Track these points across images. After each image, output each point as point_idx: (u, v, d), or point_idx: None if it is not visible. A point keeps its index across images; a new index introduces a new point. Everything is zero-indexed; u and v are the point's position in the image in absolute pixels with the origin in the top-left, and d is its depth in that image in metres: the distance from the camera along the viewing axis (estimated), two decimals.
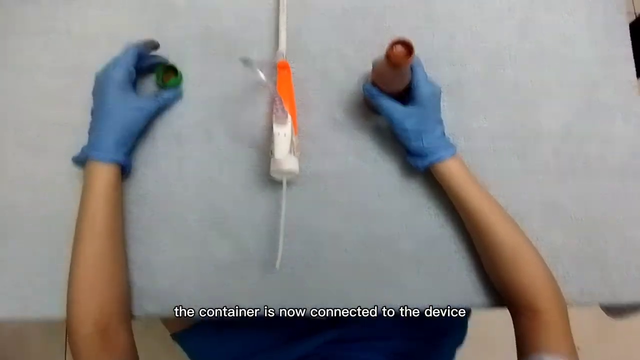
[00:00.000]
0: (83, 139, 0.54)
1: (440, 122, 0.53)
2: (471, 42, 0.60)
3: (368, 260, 0.55)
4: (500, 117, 0.59)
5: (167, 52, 0.58)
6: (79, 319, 0.45)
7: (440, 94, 0.52)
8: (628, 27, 0.61)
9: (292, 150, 0.50)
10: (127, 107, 0.51)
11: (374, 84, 0.51)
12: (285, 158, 0.49)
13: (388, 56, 0.44)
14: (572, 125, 0.59)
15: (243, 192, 0.56)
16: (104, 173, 0.48)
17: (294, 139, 0.51)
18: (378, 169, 0.57)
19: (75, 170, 0.55)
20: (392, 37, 0.44)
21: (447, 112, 0.58)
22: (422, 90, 0.50)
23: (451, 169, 0.52)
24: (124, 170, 0.52)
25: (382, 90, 0.50)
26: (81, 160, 0.52)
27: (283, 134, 0.49)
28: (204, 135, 0.57)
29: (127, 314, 0.50)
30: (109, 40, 0.59)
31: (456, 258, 0.56)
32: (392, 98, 0.51)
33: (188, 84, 0.59)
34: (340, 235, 0.55)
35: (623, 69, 0.60)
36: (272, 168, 0.51)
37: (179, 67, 0.58)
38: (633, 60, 0.60)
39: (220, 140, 0.57)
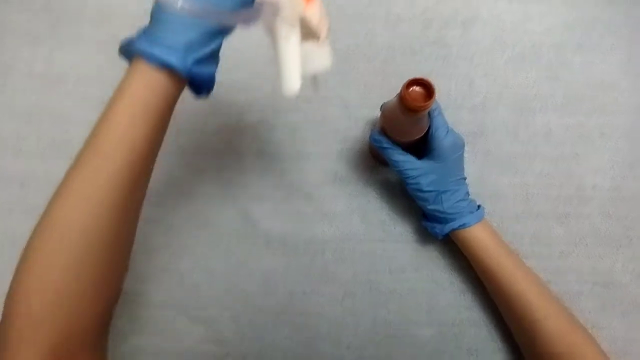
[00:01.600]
0: (31, 197, 0.45)
1: (464, 180, 0.43)
2: (494, 86, 0.52)
3: (377, 356, 0.43)
4: (535, 171, 0.49)
5: None
6: (23, 335, 0.25)
7: (464, 146, 0.43)
8: None
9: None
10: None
11: (383, 132, 0.42)
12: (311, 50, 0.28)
13: (403, 99, 0.35)
14: (621, 182, 0.49)
15: (222, 259, 0.45)
16: (156, 80, 0.27)
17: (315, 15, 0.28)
18: (388, 233, 0.47)
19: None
20: (405, 78, 0.36)
21: (470, 166, 0.48)
22: (443, 141, 0.40)
23: (478, 237, 0.41)
24: (197, 85, 0.29)
25: (393, 140, 0.41)
26: (126, 53, 0.29)
27: None
28: (175, 188, 0.48)
29: (104, 344, 0.31)
30: (77, 82, 0.52)
31: (490, 349, 0.43)
32: (404, 150, 0.42)
33: None
34: (341, 323, 0.44)
35: None
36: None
37: None
38: None
39: (194, 190, 0.48)
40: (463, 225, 0.41)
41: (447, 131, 0.41)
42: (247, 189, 0.48)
